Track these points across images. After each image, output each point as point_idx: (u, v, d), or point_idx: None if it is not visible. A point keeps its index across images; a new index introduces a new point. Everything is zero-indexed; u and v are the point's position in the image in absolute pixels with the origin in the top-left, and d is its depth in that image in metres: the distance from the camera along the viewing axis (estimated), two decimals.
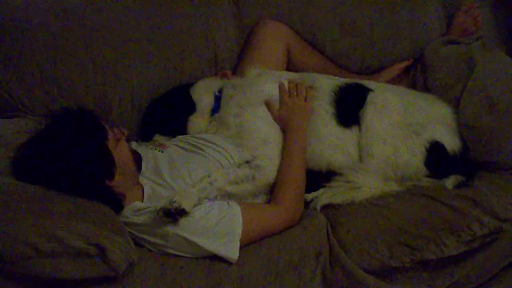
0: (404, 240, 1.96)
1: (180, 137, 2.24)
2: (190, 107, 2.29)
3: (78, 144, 1.78)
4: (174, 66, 2.42)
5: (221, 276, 1.78)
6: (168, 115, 2.30)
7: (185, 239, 1.78)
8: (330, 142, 2.20)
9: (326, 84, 2.27)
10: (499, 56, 2.42)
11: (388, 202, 2.08)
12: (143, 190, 1.95)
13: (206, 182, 1.92)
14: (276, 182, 2.06)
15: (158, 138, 2.27)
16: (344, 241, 1.97)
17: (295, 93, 2.22)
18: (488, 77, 2.26)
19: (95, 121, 1.90)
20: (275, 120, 2.19)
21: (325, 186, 2.16)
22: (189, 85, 2.36)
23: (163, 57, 2.40)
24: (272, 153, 2.10)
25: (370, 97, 2.24)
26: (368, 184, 2.13)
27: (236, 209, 1.86)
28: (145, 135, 2.32)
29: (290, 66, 2.59)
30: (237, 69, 2.53)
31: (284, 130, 2.17)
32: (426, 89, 2.45)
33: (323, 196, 2.14)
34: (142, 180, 1.98)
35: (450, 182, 2.16)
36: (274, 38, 2.53)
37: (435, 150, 2.16)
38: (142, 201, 1.91)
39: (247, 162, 2.07)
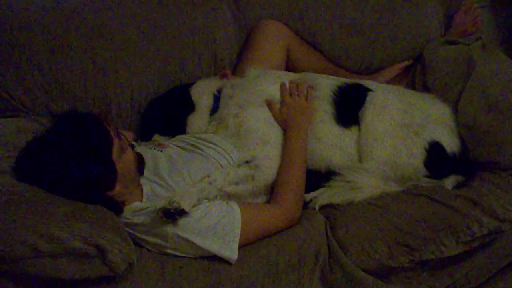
0: (403, 240, 1.97)
1: (179, 137, 2.24)
2: (190, 107, 2.29)
3: (81, 155, 1.74)
4: (174, 66, 2.42)
5: (220, 276, 1.78)
6: (167, 115, 2.30)
7: (185, 239, 1.78)
8: (330, 142, 2.20)
9: (326, 84, 2.27)
10: (499, 56, 2.42)
11: (388, 202, 2.08)
12: (142, 190, 1.94)
13: (206, 182, 1.92)
14: (276, 182, 2.06)
15: (157, 138, 2.27)
16: (343, 241, 1.98)
17: (296, 93, 2.22)
18: (488, 77, 2.26)
19: (102, 130, 1.83)
20: (276, 120, 2.19)
21: (324, 186, 2.16)
22: (189, 85, 2.36)
23: (162, 57, 2.39)
24: (271, 153, 2.10)
25: (369, 97, 2.24)
26: (367, 184, 2.14)
27: (235, 209, 1.86)
28: (144, 135, 2.32)
29: (290, 66, 2.59)
30: (236, 69, 2.53)
31: (285, 130, 2.17)
32: (426, 89, 2.45)
33: (322, 196, 2.14)
34: (142, 180, 1.98)
35: (449, 182, 2.17)
36: (274, 38, 2.53)
37: (434, 150, 2.16)
38: (141, 201, 1.91)
39: (247, 162, 2.07)
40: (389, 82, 2.60)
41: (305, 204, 2.09)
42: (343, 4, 2.64)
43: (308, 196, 2.12)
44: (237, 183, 2.00)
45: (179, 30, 2.42)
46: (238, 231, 1.82)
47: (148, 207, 1.84)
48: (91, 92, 2.26)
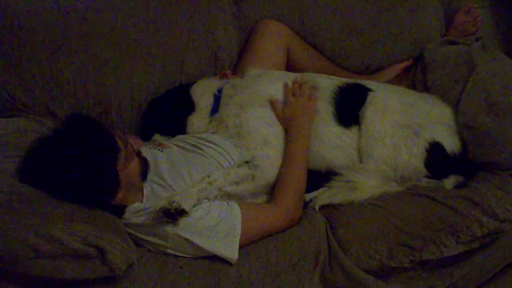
0: (403, 240, 1.97)
1: (179, 137, 2.24)
2: (190, 107, 2.29)
3: (86, 164, 1.71)
4: (174, 66, 2.42)
5: (220, 276, 1.78)
6: (167, 114, 2.30)
7: (185, 239, 1.78)
8: (330, 142, 2.20)
9: (326, 84, 2.27)
10: (499, 56, 2.42)
11: (388, 202, 2.08)
12: (142, 190, 1.94)
13: (206, 182, 1.92)
14: (276, 182, 2.06)
15: (157, 137, 2.27)
16: (343, 241, 1.98)
17: (299, 93, 2.22)
18: (488, 77, 2.25)
19: (109, 140, 1.80)
20: (278, 119, 2.19)
21: (324, 186, 2.16)
22: (189, 85, 2.36)
23: (163, 57, 2.40)
24: (271, 153, 2.10)
25: (370, 97, 2.24)
26: (367, 184, 2.13)
27: (235, 209, 1.86)
28: (144, 134, 2.32)
29: (290, 66, 2.59)
30: (236, 69, 2.53)
31: (287, 130, 2.17)
32: (426, 89, 2.45)
33: (323, 196, 2.13)
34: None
35: (449, 182, 2.16)
36: (274, 38, 2.53)
37: (434, 151, 2.16)
38: (142, 202, 1.90)
39: (247, 162, 2.07)
40: (389, 82, 2.60)
41: (305, 204, 2.09)
42: (343, 4, 2.64)
43: (308, 196, 2.12)
44: (237, 183, 2.00)
45: (180, 30, 2.42)
46: (239, 231, 1.82)
47: (148, 208, 1.84)
48: (91, 92, 2.27)
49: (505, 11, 2.99)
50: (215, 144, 2.11)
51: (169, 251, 1.81)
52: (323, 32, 2.63)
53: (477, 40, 2.52)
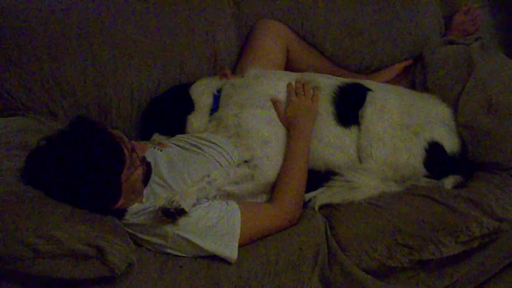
0: (402, 240, 1.97)
1: (179, 136, 2.24)
2: (189, 107, 2.29)
3: (90, 173, 1.70)
4: (174, 65, 2.42)
5: (220, 275, 1.79)
6: (167, 114, 2.30)
7: (185, 239, 1.78)
8: (330, 141, 2.20)
9: (326, 84, 2.27)
10: (498, 56, 2.42)
11: (387, 202, 2.08)
12: (142, 191, 1.94)
13: (205, 182, 1.92)
14: (277, 181, 2.06)
15: (157, 137, 2.27)
16: (342, 241, 1.97)
17: (302, 93, 2.22)
18: (487, 77, 2.25)
19: (116, 150, 1.78)
20: (280, 119, 2.19)
21: (324, 186, 2.16)
22: (189, 84, 2.36)
23: (163, 57, 2.40)
24: (271, 153, 2.10)
25: (369, 97, 2.24)
26: (367, 184, 2.13)
27: (235, 209, 1.87)
28: (144, 134, 2.33)
29: (290, 65, 2.59)
30: (236, 68, 2.53)
31: (288, 129, 2.17)
32: (425, 89, 2.44)
33: (322, 195, 2.13)
34: None
35: (449, 182, 2.16)
36: (274, 38, 2.53)
37: (434, 151, 2.16)
38: (141, 202, 1.91)
39: (246, 161, 2.07)
40: (389, 82, 2.60)
41: (305, 204, 2.09)
42: (343, 4, 2.64)
43: (308, 195, 2.12)
44: (236, 183, 2.00)
45: (179, 30, 2.43)
46: (238, 230, 1.83)
47: (148, 207, 1.84)
48: (91, 91, 2.27)
49: (504, 11, 2.99)
50: (214, 143, 2.11)
51: (168, 250, 1.81)
52: (322, 31, 2.63)
53: (476, 40, 2.52)
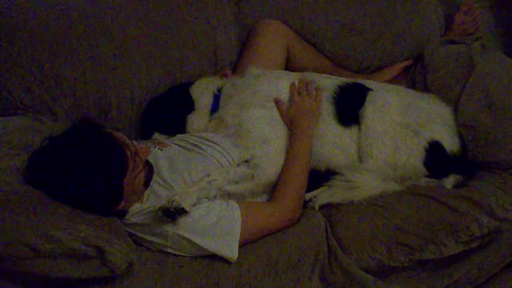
0: (403, 240, 1.97)
1: (179, 136, 2.24)
2: (190, 106, 2.29)
3: (92, 176, 1.70)
4: (174, 65, 2.42)
5: (220, 275, 1.78)
6: (167, 114, 2.30)
7: (185, 238, 1.78)
8: (330, 141, 2.20)
9: (326, 84, 2.28)
10: (498, 56, 2.42)
11: (387, 202, 2.08)
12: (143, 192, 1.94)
13: (206, 182, 1.91)
14: (278, 181, 2.06)
15: (157, 136, 2.27)
16: (343, 241, 1.97)
17: (305, 93, 2.22)
18: (487, 77, 2.26)
19: (120, 155, 1.77)
20: (282, 118, 2.19)
21: (324, 186, 2.16)
22: (189, 84, 2.36)
23: (163, 56, 2.40)
24: (271, 152, 2.10)
25: (369, 96, 2.24)
26: (367, 184, 2.13)
27: (235, 209, 1.87)
28: (144, 133, 2.32)
29: (290, 65, 2.59)
30: (236, 68, 2.53)
31: (291, 129, 2.17)
32: (426, 89, 2.45)
33: (322, 195, 2.13)
34: None
35: (449, 182, 2.16)
36: (274, 38, 2.53)
37: (434, 150, 2.16)
38: (142, 202, 1.90)
39: (246, 161, 2.08)
40: (389, 81, 2.60)
41: (305, 203, 2.09)
42: (343, 4, 2.64)
43: (308, 195, 2.12)
44: (237, 182, 2.00)
45: (180, 29, 2.42)
46: (238, 230, 1.82)
47: (148, 207, 1.84)
48: (91, 91, 2.26)
49: (504, 11, 3.00)
50: (215, 143, 2.11)
51: (169, 250, 1.81)
52: (323, 31, 2.63)
53: (476, 39, 2.52)
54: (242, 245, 1.83)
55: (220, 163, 2.05)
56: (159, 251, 1.82)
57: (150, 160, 1.99)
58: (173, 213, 1.75)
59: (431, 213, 2.01)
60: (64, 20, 2.25)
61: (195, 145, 2.11)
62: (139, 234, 1.84)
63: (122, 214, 1.84)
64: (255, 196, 2.06)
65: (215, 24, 2.49)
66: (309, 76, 2.32)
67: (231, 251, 1.80)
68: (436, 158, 2.15)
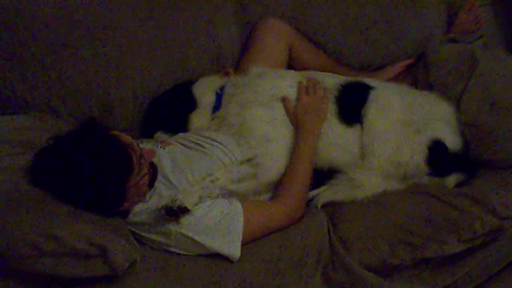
0: (405, 238, 1.97)
1: (182, 134, 2.23)
2: (192, 105, 2.29)
3: (96, 178, 1.69)
4: (177, 64, 2.41)
5: (222, 273, 1.79)
6: (169, 112, 2.30)
7: (188, 237, 1.79)
8: (332, 140, 2.19)
9: (329, 82, 2.27)
10: (501, 55, 2.43)
11: (390, 200, 2.08)
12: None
13: (208, 180, 1.92)
14: (281, 179, 2.06)
15: (160, 135, 2.27)
16: (345, 239, 1.98)
17: (313, 93, 2.22)
18: (490, 76, 2.25)
19: (125, 158, 1.75)
20: (289, 117, 2.19)
21: (326, 184, 2.16)
22: (191, 82, 2.36)
23: (165, 55, 2.39)
24: (274, 151, 2.10)
25: (372, 95, 2.24)
26: (369, 182, 2.13)
27: (237, 207, 1.87)
28: (147, 132, 2.32)
29: (292, 64, 2.59)
30: (239, 67, 2.52)
31: (296, 128, 2.16)
32: (428, 87, 2.44)
33: (325, 193, 2.13)
34: None
35: (451, 180, 2.16)
36: (276, 36, 2.53)
37: (436, 149, 2.15)
38: (145, 201, 1.90)
39: (249, 160, 2.08)
40: (391, 80, 2.60)
41: (307, 202, 2.09)
42: (345, 2, 2.63)
43: (310, 193, 2.11)
44: (239, 181, 2.01)
45: (182, 28, 2.42)
46: (241, 229, 1.83)
47: (151, 206, 1.84)
48: (94, 89, 2.26)
49: (507, 9, 2.99)
50: (217, 142, 2.11)
51: (171, 249, 1.82)
52: (325, 30, 2.62)
53: (479, 38, 2.52)
54: (245, 243, 1.84)
55: (223, 162, 2.05)
56: (162, 250, 1.82)
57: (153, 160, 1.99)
58: (176, 212, 1.75)
59: (434, 211, 2.02)
60: (67, 19, 2.24)
61: (198, 144, 2.11)
62: (142, 233, 1.84)
63: (125, 213, 1.85)
64: (257, 195, 2.07)
65: (217, 23, 2.49)
66: (311, 75, 2.32)
67: (233, 249, 1.80)
68: (438, 157, 2.15)
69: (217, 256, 1.81)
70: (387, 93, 2.25)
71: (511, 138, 2.17)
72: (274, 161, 2.09)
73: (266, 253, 1.86)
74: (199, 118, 2.27)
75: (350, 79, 2.33)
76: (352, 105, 2.22)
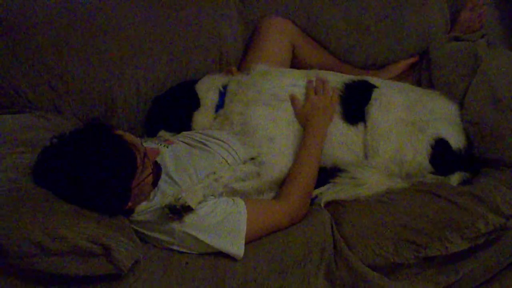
0: (408, 236, 1.97)
1: (185, 133, 2.24)
2: (195, 103, 2.29)
3: (101, 179, 1.69)
4: (180, 62, 2.42)
5: (226, 272, 1.78)
6: (173, 111, 2.30)
7: (191, 236, 1.78)
8: (336, 138, 2.20)
9: (332, 81, 2.27)
10: (504, 53, 2.43)
11: (393, 198, 2.08)
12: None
13: (212, 179, 1.92)
14: (286, 178, 2.06)
15: (163, 134, 2.27)
16: (348, 238, 1.98)
17: (322, 92, 2.22)
18: (493, 74, 2.25)
19: (130, 158, 1.75)
20: (296, 115, 2.19)
21: (329, 182, 2.16)
22: (194, 81, 2.36)
23: (169, 53, 2.40)
24: (277, 150, 2.10)
25: (375, 93, 2.24)
26: (373, 181, 2.13)
27: (241, 206, 1.86)
28: (150, 131, 2.32)
29: (295, 62, 2.59)
30: (242, 65, 2.53)
31: (304, 127, 2.16)
32: (431, 85, 2.45)
33: (328, 192, 2.13)
34: None
35: (454, 179, 2.16)
36: (279, 35, 2.53)
37: (440, 147, 2.15)
38: (148, 200, 1.89)
39: (252, 158, 2.08)
40: (395, 78, 2.60)
41: (311, 201, 2.09)
42: (348, 1, 2.64)
43: (314, 192, 2.11)
44: (243, 180, 2.01)
45: (185, 26, 2.43)
46: (244, 227, 1.82)
47: (154, 205, 1.84)
48: (97, 88, 2.27)
49: (510, 7, 2.99)
50: (220, 140, 2.11)
51: (175, 247, 1.81)
52: (328, 28, 2.63)
53: (482, 36, 2.52)
54: (248, 242, 1.83)
55: (226, 161, 2.05)
56: (165, 248, 1.82)
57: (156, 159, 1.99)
58: (179, 210, 1.75)
59: (437, 210, 2.02)
60: (69, 17, 2.25)
61: (201, 143, 2.11)
62: (145, 232, 1.84)
63: (128, 212, 1.84)
64: (260, 194, 2.07)
65: (220, 21, 2.49)
66: (314, 73, 2.32)
67: (237, 248, 1.80)
68: (441, 155, 2.15)
69: (220, 254, 1.81)
70: (390, 92, 2.25)
71: None
72: (277, 160, 2.09)
73: (270, 251, 1.86)
74: (202, 117, 2.28)
75: (354, 77, 2.34)
76: (355, 104, 2.23)
